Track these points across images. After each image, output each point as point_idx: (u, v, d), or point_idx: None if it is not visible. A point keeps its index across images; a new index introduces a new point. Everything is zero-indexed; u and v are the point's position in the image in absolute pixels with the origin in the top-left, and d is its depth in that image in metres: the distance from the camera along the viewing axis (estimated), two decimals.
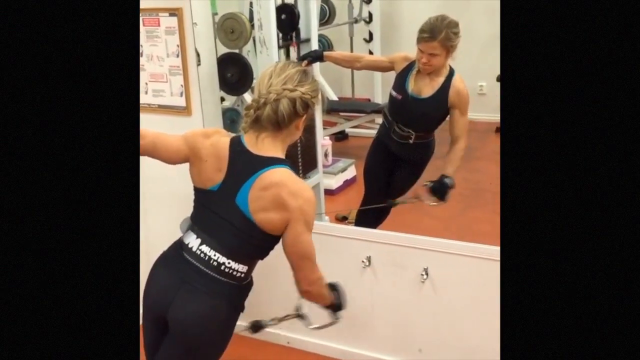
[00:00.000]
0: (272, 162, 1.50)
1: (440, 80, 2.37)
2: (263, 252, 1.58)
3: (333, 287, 1.69)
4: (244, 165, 1.51)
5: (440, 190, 2.34)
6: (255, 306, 1.70)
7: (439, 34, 2.25)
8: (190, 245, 1.55)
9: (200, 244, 1.53)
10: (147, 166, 1.75)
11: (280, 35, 2.70)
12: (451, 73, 2.36)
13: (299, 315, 1.70)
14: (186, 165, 1.62)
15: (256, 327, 1.69)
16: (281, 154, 1.54)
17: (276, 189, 1.47)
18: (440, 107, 2.38)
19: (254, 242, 1.53)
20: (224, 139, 1.56)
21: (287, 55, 2.79)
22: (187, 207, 1.66)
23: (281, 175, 1.49)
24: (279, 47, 2.61)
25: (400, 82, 2.45)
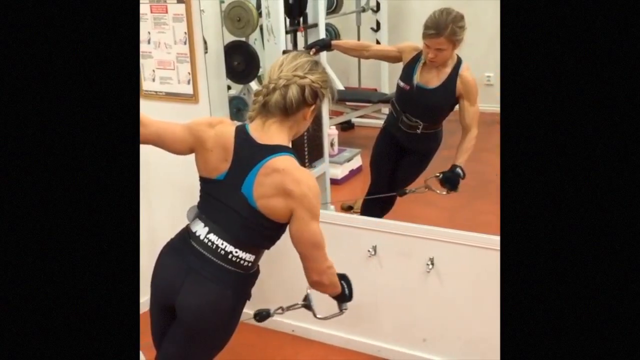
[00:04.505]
0: (276, 149, 1.50)
1: (448, 70, 2.35)
2: (269, 242, 1.59)
3: (341, 278, 1.69)
4: (248, 154, 1.51)
5: (451, 180, 2.33)
6: (259, 293, 1.70)
7: (445, 30, 2.23)
8: (198, 234, 1.55)
9: (208, 233, 1.54)
10: (151, 155, 1.75)
11: (288, 20, 2.69)
12: (458, 62, 2.35)
13: (306, 305, 1.70)
14: (189, 155, 1.62)
15: (262, 316, 1.69)
16: (287, 142, 1.54)
17: (279, 176, 1.47)
18: (448, 97, 2.37)
19: (261, 231, 1.53)
20: (229, 128, 1.56)
21: (295, 42, 2.77)
22: (190, 196, 1.66)
23: (284, 162, 1.49)
24: (286, 33, 2.58)
25: (407, 73, 2.44)
